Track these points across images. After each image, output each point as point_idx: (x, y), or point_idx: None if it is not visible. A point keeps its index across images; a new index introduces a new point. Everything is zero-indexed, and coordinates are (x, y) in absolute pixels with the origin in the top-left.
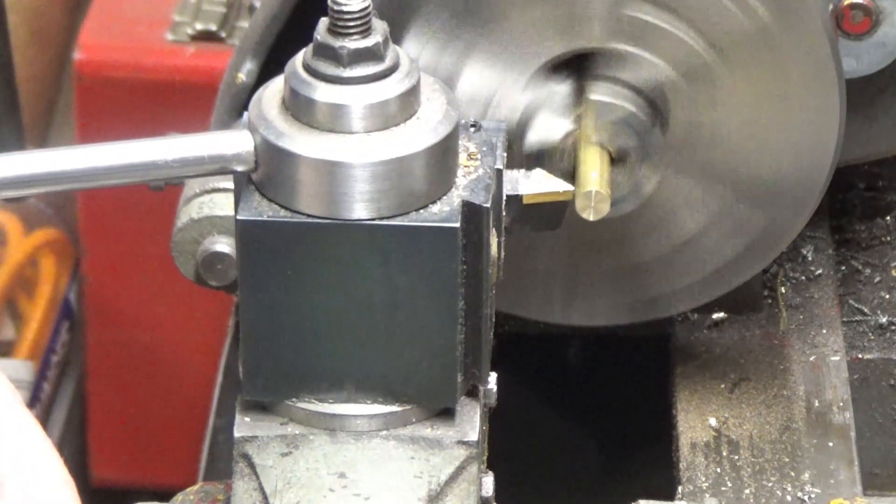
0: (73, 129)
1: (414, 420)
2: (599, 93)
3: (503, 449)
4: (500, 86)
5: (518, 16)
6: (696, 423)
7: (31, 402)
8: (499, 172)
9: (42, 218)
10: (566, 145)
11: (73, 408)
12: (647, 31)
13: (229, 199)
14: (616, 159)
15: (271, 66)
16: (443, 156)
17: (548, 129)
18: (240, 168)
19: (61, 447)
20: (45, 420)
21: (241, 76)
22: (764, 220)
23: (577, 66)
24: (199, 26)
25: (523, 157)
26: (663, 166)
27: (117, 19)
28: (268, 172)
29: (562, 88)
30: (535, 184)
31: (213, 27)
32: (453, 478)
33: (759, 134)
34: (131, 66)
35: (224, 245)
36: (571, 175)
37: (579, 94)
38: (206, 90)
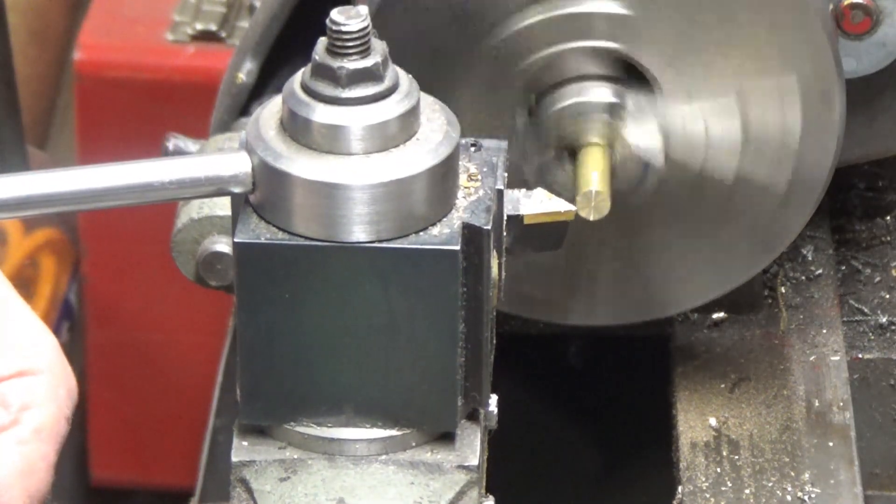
0: (73, 129)
1: (414, 444)
2: (639, 117)
3: (503, 449)
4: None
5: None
6: (696, 423)
7: None
8: (499, 193)
9: (42, 218)
10: (562, 156)
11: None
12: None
13: (229, 198)
14: (615, 147)
15: (271, 66)
16: (443, 177)
17: (582, 105)
18: (237, 190)
19: (61, 447)
20: None
21: (241, 76)
22: (764, 220)
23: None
24: (199, 26)
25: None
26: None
27: (117, 19)
28: (265, 194)
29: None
30: (536, 204)
31: (213, 27)
32: (453, 503)
33: (758, 134)
34: (131, 66)
35: (224, 245)
36: (568, 150)
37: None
38: (206, 90)
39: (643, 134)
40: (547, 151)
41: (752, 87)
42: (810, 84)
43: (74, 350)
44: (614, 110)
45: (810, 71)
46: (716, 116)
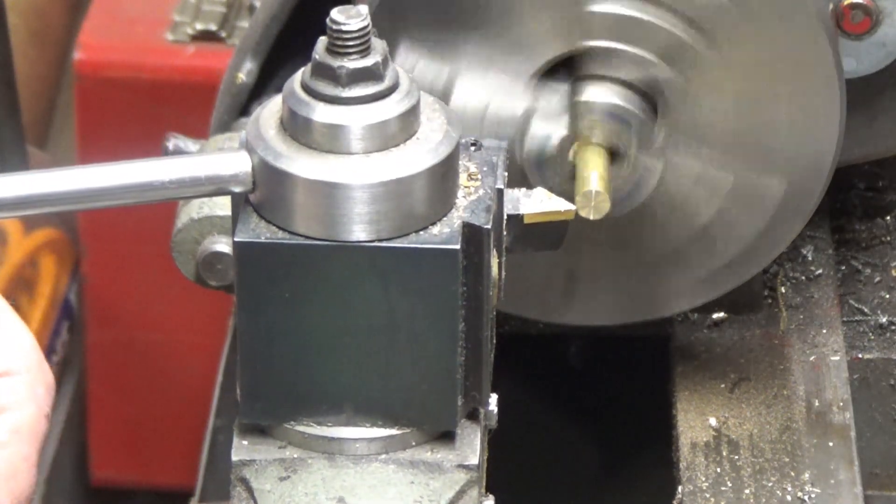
0: (73, 129)
1: (414, 443)
2: (589, 93)
3: (503, 450)
4: (494, 94)
5: (508, 22)
6: (696, 423)
7: None
8: (500, 192)
9: (42, 218)
10: (564, 149)
11: (73, 408)
12: (631, 25)
13: (230, 198)
14: (616, 154)
15: (271, 66)
16: (443, 177)
17: (544, 135)
18: (237, 189)
19: (61, 447)
20: None
21: (241, 76)
22: (764, 220)
23: (567, 69)
24: (199, 26)
25: (521, 165)
26: (666, 155)
27: (117, 19)
28: (266, 193)
29: (555, 93)
30: (536, 203)
31: (213, 27)
32: (453, 502)
33: (758, 134)
34: (131, 66)
35: (224, 245)
36: (573, 178)
37: (571, 97)
38: (206, 90)
39: (646, 154)
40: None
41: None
42: (810, 84)
43: (74, 350)
44: (642, 126)
45: (810, 71)
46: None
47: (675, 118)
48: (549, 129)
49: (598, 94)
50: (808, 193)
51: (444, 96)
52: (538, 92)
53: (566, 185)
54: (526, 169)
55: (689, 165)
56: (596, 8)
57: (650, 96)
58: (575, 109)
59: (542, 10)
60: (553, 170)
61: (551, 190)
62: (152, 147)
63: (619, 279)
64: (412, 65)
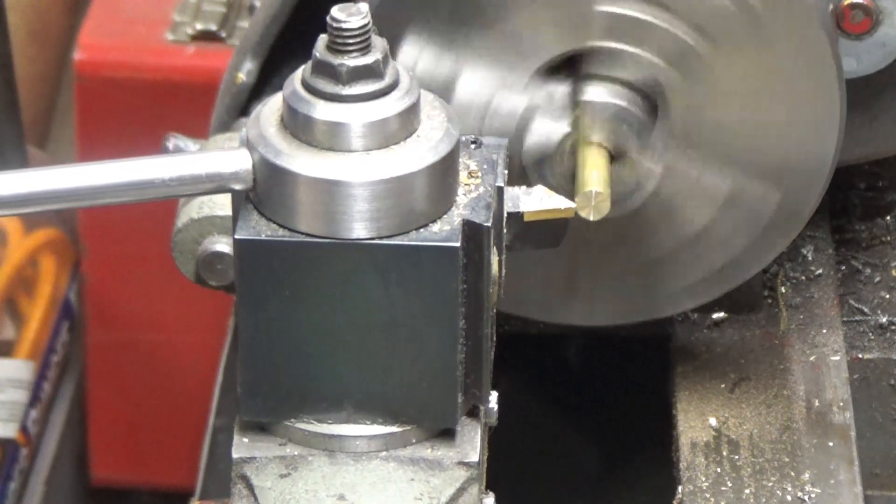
0: (73, 129)
1: (414, 441)
2: (592, 93)
3: (503, 449)
4: (497, 90)
5: (513, 18)
6: (696, 423)
7: (32, 402)
8: (500, 190)
9: (42, 218)
10: (564, 148)
11: (73, 408)
12: (636, 27)
13: (230, 198)
14: (616, 156)
15: (271, 66)
16: (443, 174)
17: (545, 132)
18: (238, 187)
19: (61, 447)
20: (45, 420)
21: (241, 76)
22: (764, 220)
23: (570, 68)
24: (199, 26)
25: (522, 162)
26: (664, 159)
27: (117, 19)
28: (266, 191)
29: (557, 91)
30: (536, 201)
31: (213, 27)
32: (454, 499)
33: (758, 133)
34: (131, 66)
35: (224, 245)
36: (572, 177)
37: (574, 96)
38: (206, 90)
39: (605, 99)
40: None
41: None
42: (810, 84)
43: (74, 350)
44: (642, 126)
45: (810, 71)
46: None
47: (676, 121)
48: (551, 126)
49: (601, 93)
50: (808, 195)
51: (446, 89)
52: (541, 88)
53: (565, 183)
54: (525, 165)
55: (688, 170)
56: (602, 8)
57: (652, 98)
58: (577, 108)
59: (550, 6)
60: (552, 167)
61: (550, 188)
62: (152, 147)
63: (614, 280)
64: (415, 58)
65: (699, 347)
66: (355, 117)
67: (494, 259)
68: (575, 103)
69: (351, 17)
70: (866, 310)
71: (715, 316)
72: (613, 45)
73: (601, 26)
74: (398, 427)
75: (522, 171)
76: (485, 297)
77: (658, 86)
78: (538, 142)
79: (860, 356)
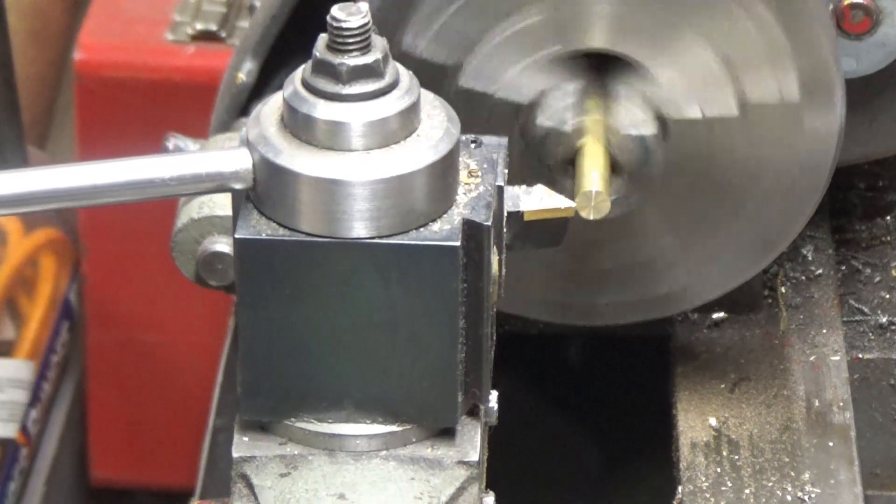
0: (73, 129)
1: (414, 440)
2: (624, 100)
3: (503, 449)
4: (513, 66)
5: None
6: (696, 423)
7: (32, 402)
8: (500, 189)
9: (42, 218)
10: (570, 134)
11: (73, 408)
12: (671, 44)
13: (229, 198)
14: (616, 167)
15: (271, 66)
16: (443, 173)
17: (559, 113)
18: (238, 186)
19: (61, 447)
20: (45, 420)
21: (241, 76)
22: (764, 221)
23: (599, 65)
24: (199, 26)
25: (528, 132)
26: (659, 181)
27: (117, 19)
28: (266, 190)
29: (580, 80)
30: (536, 200)
31: (213, 27)
32: (454, 499)
33: (759, 135)
34: (131, 66)
35: (224, 245)
36: (569, 162)
37: (600, 92)
38: (206, 90)
39: (631, 112)
40: (548, 170)
41: (752, 86)
42: (810, 84)
43: (74, 350)
44: (585, 104)
45: (810, 71)
46: (712, 106)
47: (679, 141)
48: (565, 108)
49: (620, 97)
50: (809, 193)
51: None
52: (563, 72)
53: (562, 167)
54: (527, 139)
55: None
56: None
57: (665, 123)
58: (602, 107)
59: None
60: (552, 147)
61: (548, 170)
62: (152, 147)
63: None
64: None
65: (699, 347)
66: (355, 116)
67: (494, 258)
68: (598, 99)
69: (351, 16)
70: (866, 310)
71: (715, 316)
72: (642, 59)
73: (634, 35)
74: (398, 426)
75: (524, 145)
76: (485, 296)
77: (673, 109)
78: (549, 120)
79: (860, 356)
